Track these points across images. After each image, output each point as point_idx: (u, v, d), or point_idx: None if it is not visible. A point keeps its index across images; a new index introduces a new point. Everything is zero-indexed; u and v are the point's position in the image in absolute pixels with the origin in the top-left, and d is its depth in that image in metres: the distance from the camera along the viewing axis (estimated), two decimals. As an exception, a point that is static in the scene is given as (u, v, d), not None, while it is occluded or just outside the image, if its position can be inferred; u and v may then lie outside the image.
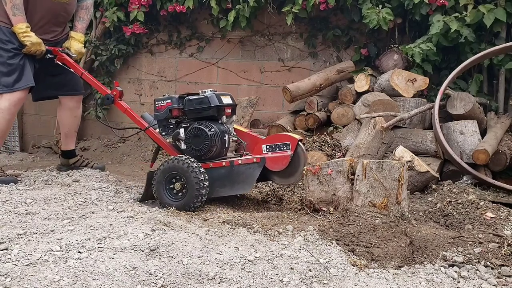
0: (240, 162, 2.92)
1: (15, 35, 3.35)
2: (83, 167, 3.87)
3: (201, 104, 2.97)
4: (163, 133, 3.12)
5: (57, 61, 3.53)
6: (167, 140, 3.12)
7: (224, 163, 2.93)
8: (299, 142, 2.93)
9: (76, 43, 3.64)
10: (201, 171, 2.82)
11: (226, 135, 2.98)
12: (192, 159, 2.85)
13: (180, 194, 2.85)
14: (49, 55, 3.49)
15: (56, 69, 3.58)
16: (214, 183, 2.91)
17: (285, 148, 2.92)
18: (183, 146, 3.00)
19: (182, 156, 2.87)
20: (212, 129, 2.91)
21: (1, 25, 3.38)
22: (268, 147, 2.95)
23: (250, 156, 2.96)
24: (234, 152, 3.15)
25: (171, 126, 3.09)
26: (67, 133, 3.90)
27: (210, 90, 3.03)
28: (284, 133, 3.17)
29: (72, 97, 3.80)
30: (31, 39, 3.34)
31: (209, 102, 2.95)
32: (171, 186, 2.87)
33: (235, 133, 3.09)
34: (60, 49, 3.59)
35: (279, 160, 2.90)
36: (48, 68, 3.58)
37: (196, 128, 2.93)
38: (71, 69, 3.55)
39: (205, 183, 2.80)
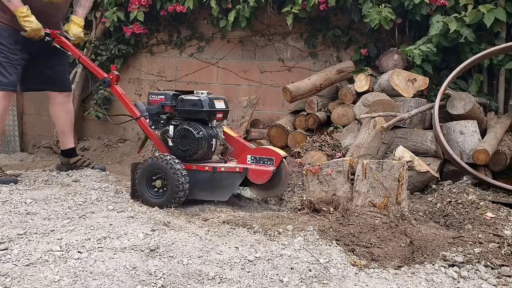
0: (222, 169, 2.93)
1: (12, 34, 3.35)
2: (84, 167, 3.87)
3: (193, 106, 2.99)
4: (153, 127, 3.16)
5: (55, 44, 3.52)
6: (157, 133, 3.15)
7: (207, 168, 2.95)
8: (283, 159, 2.94)
9: (75, 27, 3.65)
10: (183, 174, 2.85)
11: (214, 140, 3.01)
12: (176, 160, 2.88)
13: (161, 190, 2.89)
14: (47, 38, 3.48)
15: (48, 63, 3.60)
16: (195, 186, 2.93)
17: (268, 163, 2.93)
18: (170, 144, 3.03)
19: (166, 156, 2.90)
20: (201, 132, 2.94)
21: None
22: (253, 158, 2.96)
23: (234, 165, 2.97)
24: (220, 155, 3.16)
25: (162, 122, 3.12)
26: (62, 130, 3.91)
27: (206, 93, 3.03)
28: (271, 147, 3.17)
29: (61, 92, 3.81)
30: (31, 24, 3.34)
31: (201, 106, 2.97)
32: (153, 183, 2.91)
33: (223, 137, 3.11)
34: (59, 32, 3.58)
35: (260, 174, 2.91)
36: (40, 60, 3.58)
37: (184, 129, 2.96)
38: (68, 52, 3.56)
39: (185, 185, 2.84)
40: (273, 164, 2.91)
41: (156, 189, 2.91)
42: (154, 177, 2.91)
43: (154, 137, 3.17)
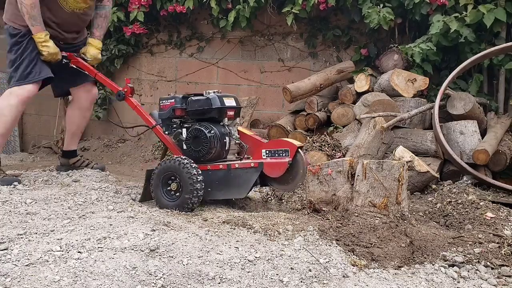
0: (237, 166, 2.90)
1: (30, 33, 3.37)
2: (83, 167, 3.87)
3: (203, 105, 2.95)
4: (167, 132, 3.12)
5: (72, 65, 3.56)
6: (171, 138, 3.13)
7: (221, 166, 2.92)
8: (299, 149, 2.91)
9: (92, 49, 3.66)
10: (193, 166, 2.81)
11: (227, 138, 2.97)
12: (184, 157, 2.85)
13: (177, 194, 2.85)
14: (64, 60, 3.53)
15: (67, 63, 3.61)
16: (211, 186, 2.90)
17: (284, 155, 2.89)
18: (184, 147, 3.00)
19: (179, 157, 2.87)
20: (212, 131, 2.90)
21: (16, 26, 3.40)
22: (267, 152, 2.92)
23: (248, 161, 2.94)
24: (236, 155, 3.14)
25: (175, 126, 3.08)
26: (74, 132, 3.89)
27: (214, 92, 3.02)
28: (285, 139, 3.13)
29: (87, 97, 3.79)
30: (49, 49, 3.38)
31: (211, 104, 2.93)
32: (168, 188, 2.87)
33: (238, 136, 3.07)
34: (76, 54, 3.62)
35: (276, 166, 2.87)
36: (61, 64, 3.59)
37: (196, 129, 2.93)
38: (85, 71, 3.57)
39: (198, 177, 2.79)
40: (288, 155, 2.88)
41: (172, 192, 2.86)
42: (169, 181, 2.87)
43: (171, 143, 3.13)
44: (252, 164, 2.88)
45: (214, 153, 2.92)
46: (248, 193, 2.98)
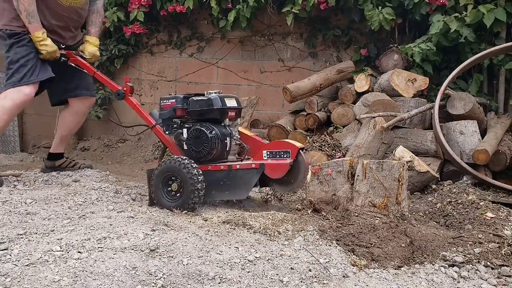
0: (238, 167, 2.90)
1: (28, 33, 3.33)
2: (70, 168, 3.82)
3: (204, 105, 2.95)
4: (167, 132, 3.11)
5: (71, 63, 3.52)
6: (172, 138, 3.13)
7: (222, 167, 2.92)
8: (300, 150, 2.91)
9: (90, 47, 3.64)
10: (194, 166, 2.80)
11: (228, 138, 2.97)
12: (185, 158, 2.84)
13: (177, 194, 2.84)
14: (63, 58, 3.48)
15: (68, 72, 3.54)
16: (212, 186, 2.89)
17: (285, 156, 2.88)
18: (185, 147, 3.00)
19: (180, 158, 2.87)
20: (213, 132, 2.89)
21: (13, 29, 3.35)
22: (268, 153, 2.92)
23: (249, 162, 2.94)
24: (236, 155, 3.13)
25: (175, 126, 3.08)
26: (63, 136, 3.82)
27: (215, 92, 3.02)
28: (287, 140, 3.13)
29: (84, 102, 3.74)
30: (47, 48, 3.33)
31: (212, 104, 2.93)
32: (169, 188, 2.87)
33: (238, 137, 3.07)
34: (74, 52, 3.58)
35: (277, 168, 2.86)
36: (61, 71, 3.53)
37: (197, 130, 2.92)
38: (83, 70, 3.53)
39: (199, 177, 2.78)
40: (289, 157, 2.87)
41: (173, 193, 2.85)
42: (170, 181, 2.86)
43: (171, 143, 3.12)
44: (253, 165, 2.88)
45: (215, 154, 2.92)
46: (248, 194, 2.97)
